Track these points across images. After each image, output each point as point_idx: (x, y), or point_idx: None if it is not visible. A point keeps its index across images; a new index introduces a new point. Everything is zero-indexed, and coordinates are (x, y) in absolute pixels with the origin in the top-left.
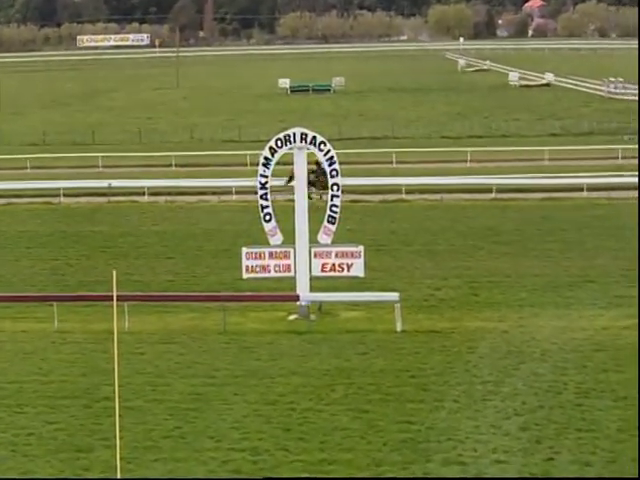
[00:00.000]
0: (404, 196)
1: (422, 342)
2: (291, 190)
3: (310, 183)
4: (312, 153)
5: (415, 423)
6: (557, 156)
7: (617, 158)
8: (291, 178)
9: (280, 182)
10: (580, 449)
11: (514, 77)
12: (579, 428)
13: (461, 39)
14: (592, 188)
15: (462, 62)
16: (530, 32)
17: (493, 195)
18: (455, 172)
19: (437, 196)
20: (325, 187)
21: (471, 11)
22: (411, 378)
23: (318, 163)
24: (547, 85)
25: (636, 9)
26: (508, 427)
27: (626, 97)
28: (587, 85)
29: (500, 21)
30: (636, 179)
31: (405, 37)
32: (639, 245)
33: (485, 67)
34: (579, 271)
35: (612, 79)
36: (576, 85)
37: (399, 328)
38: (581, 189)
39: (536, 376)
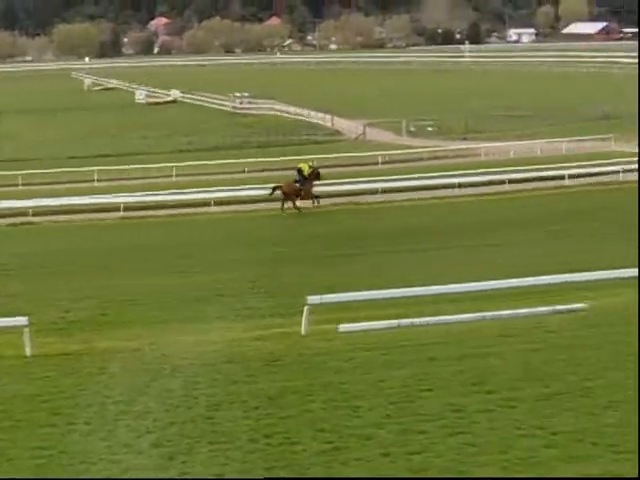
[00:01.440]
0: (32, 218)
1: (53, 365)
2: None
3: (295, 192)
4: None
5: (47, 448)
6: (185, 172)
7: (244, 172)
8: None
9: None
10: (212, 461)
11: (141, 95)
12: (211, 441)
13: (87, 58)
14: (220, 202)
15: (88, 81)
16: (156, 49)
17: (122, 213)
18: (84, 192)
19: (66, 217)
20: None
21: (96, 30)
22: (42, 403)
23: (301, 171)
24: (174, 102)
25: (258, 25)
26: (140, 445)
27: (251, 111)
28: (213, 101)
29: (126, 39)
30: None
31: (30, 57)
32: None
33: (112, 86)
34: (210, 285)
35: (237, 94)
36: (202, 101)
37: (29, 353)
38: (209, 204)
39: (168, 392)
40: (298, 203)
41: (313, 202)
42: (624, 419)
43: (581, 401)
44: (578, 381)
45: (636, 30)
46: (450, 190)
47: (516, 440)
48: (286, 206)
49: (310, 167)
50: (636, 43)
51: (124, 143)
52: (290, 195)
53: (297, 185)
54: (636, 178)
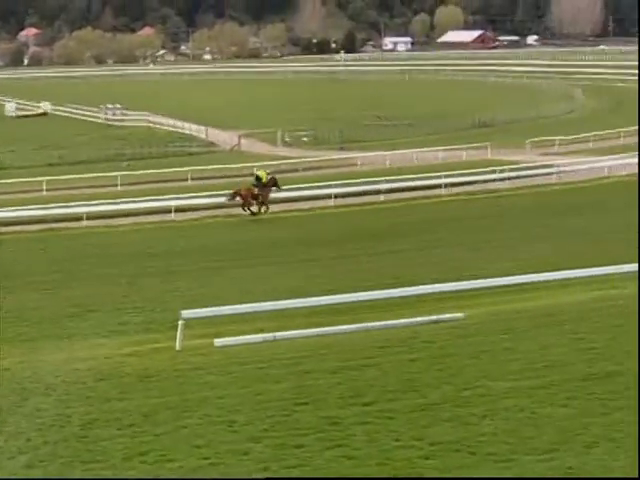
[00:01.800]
0: None
1: None
2: None
3: (254, 197)
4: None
5: None
6: (55, 186)
7: (116, 185)
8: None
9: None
10: None
11: (11, 107)
12: (85, 460)
13: None
14: (91, 217)
15: None
16: (26, 61)
17: None
18: None
19: None
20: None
21: None
22: None
23: (259, 178)
24: (44, 114)
25: (130, 35)
26: (12, 467)
27: (124, 123)
28: (85, 113)
29: None
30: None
31: None
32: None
33: None
34: (81, 301)
35: (109, 106)
36: (73, 113)
37: None
38: (80, 218)
39: (40, 412)
40: (254, 208)
41: (260, 208)
42: (501, 428)
43: (458, 411)
44: (455, 391)
45: (511, 38)
46: (326, 201)
47: (394, 451)
48: (254, 209)
49: (268, 174)
50: (510, 51)
51: None
52: (247, 199)
53: (256, 190)
54: None
